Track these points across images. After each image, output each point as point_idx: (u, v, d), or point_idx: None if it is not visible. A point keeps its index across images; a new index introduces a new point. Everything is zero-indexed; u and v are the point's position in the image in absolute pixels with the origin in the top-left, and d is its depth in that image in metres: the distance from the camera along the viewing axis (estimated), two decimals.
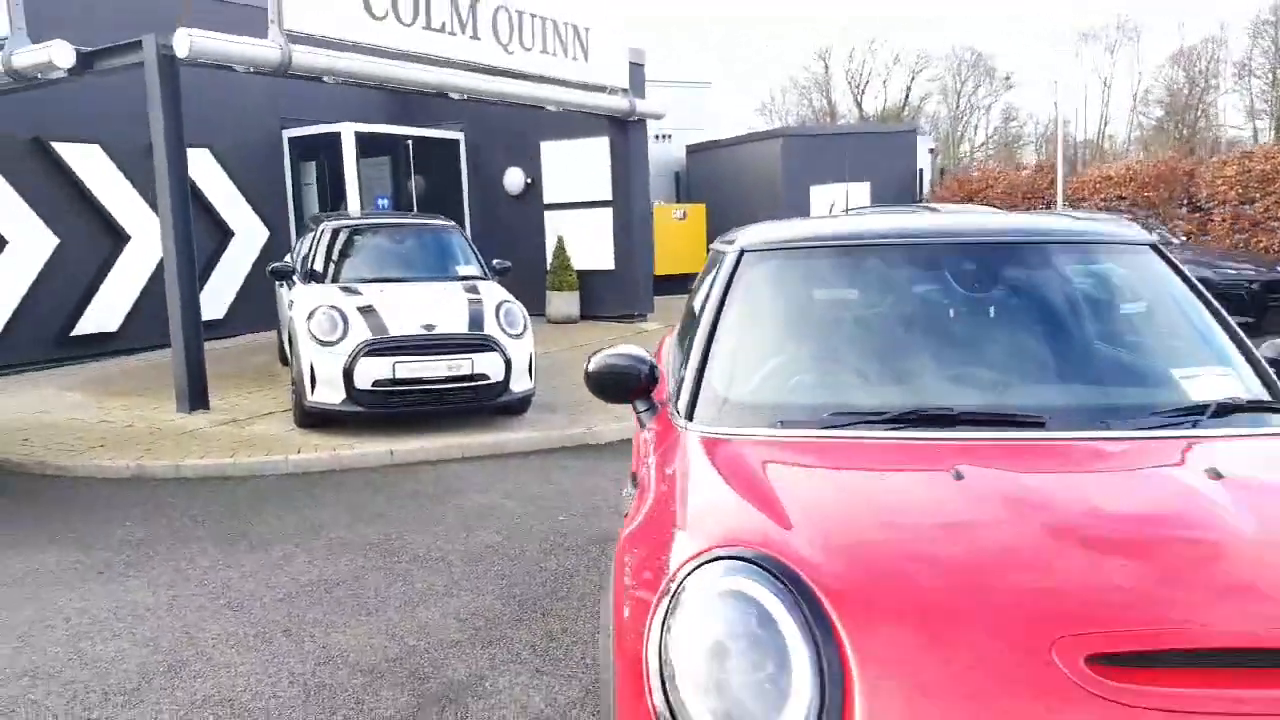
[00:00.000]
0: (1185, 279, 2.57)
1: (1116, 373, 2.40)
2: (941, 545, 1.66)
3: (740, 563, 1.59)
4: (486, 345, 6.83)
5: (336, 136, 11.98)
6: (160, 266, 9.02)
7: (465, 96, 9.65)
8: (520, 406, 7.28)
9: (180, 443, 6.71)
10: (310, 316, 6.80)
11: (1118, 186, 17.68)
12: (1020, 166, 22.44)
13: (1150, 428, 2.11)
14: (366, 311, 6.85)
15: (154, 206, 10.20)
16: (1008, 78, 42.97)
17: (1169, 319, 2.55)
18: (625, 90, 11.57)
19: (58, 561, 4.53)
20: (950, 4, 55.72)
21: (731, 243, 2.90)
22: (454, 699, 3.05)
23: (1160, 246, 2.65)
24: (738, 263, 2.72)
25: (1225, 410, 2.16)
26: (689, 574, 1.61)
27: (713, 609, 1.55)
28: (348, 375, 6.61)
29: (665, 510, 1.96)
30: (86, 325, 10.40)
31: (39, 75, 7.64)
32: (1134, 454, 2.04)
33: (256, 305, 11.34)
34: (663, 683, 1.50)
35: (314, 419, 6.93)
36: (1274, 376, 2.34)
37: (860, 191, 17.02)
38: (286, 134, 12.42)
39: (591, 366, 2.58)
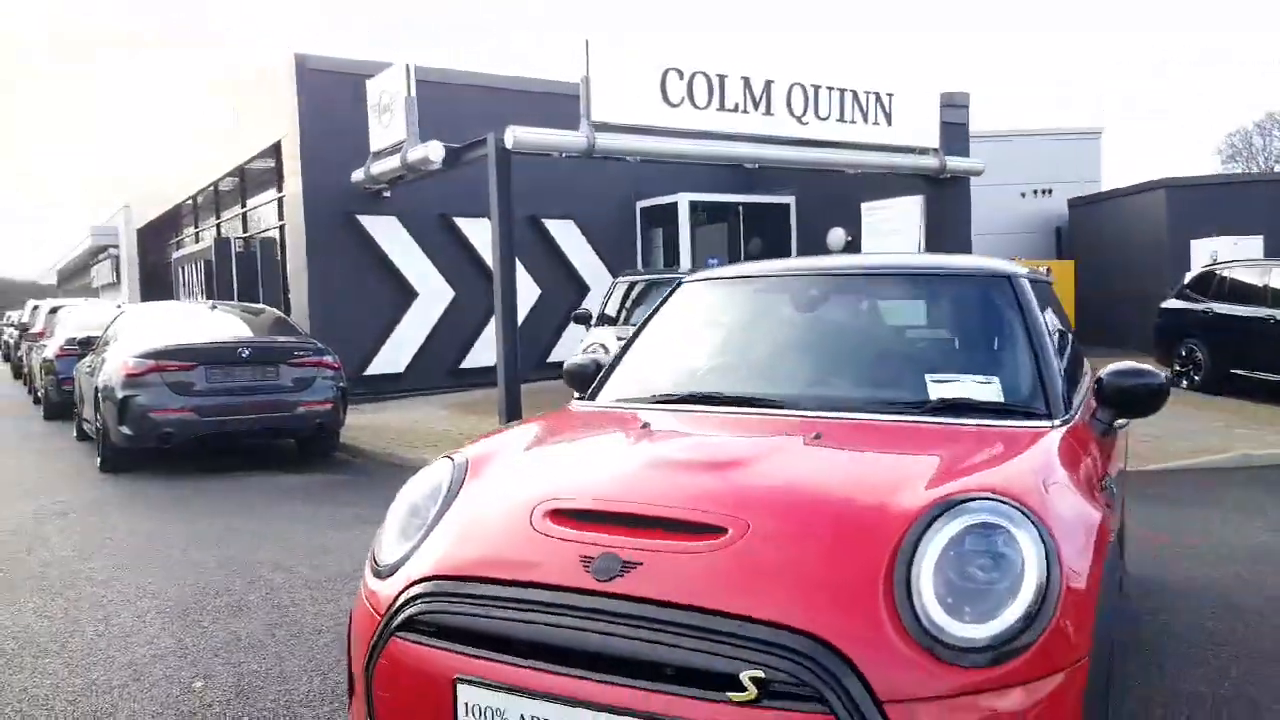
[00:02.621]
0: (1023, 308, 2.80)
1: (874, 374, 2.84)
2: (557, 452, 2.52)
3: (452, 461, 2.46)
4: None
5: (675, 205, 13.72)
6: (529, 315, 11.28)
7: (757, 165, 10.70)
8: None
9: None
10: (583, 351, 8.28)
11: None
12: None
13: (857, 411, 2.56)
14: None
15: (527, 268, 12.65)
16: None
17: (985, 336, 2.86)
18: (935, 150, 11.78)
19: (348, 515, 6.31)
20: None
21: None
22: None
23: (1014, 279, 2.89)
24: (674, 290, 3.45)
25: (949, 406, 2.52)
26: (427, 467, 2.51)
27: (416, 484, 2.45)
28: None
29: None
30: (471, 360, 13.11)
31: (422, 167, 10.18)
32: (795, 426, 2.46)
33: None
34: (383, 531, 2.41)
35: None
36: (1057, 391, 2.55)
37: (1250, 245, 15.01)
38: (639, 204, 14.45)
39: (566, 365, 3.52)
